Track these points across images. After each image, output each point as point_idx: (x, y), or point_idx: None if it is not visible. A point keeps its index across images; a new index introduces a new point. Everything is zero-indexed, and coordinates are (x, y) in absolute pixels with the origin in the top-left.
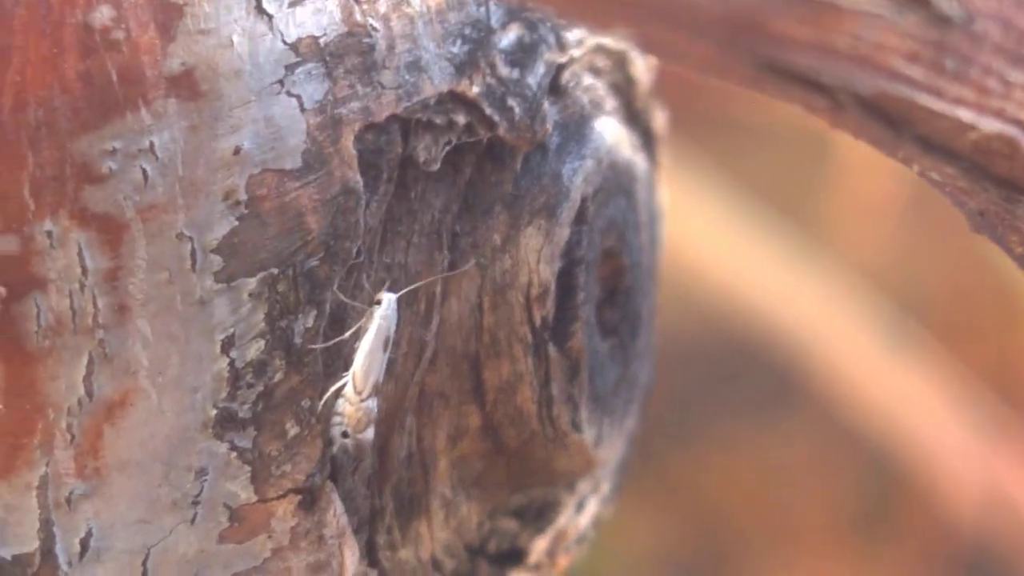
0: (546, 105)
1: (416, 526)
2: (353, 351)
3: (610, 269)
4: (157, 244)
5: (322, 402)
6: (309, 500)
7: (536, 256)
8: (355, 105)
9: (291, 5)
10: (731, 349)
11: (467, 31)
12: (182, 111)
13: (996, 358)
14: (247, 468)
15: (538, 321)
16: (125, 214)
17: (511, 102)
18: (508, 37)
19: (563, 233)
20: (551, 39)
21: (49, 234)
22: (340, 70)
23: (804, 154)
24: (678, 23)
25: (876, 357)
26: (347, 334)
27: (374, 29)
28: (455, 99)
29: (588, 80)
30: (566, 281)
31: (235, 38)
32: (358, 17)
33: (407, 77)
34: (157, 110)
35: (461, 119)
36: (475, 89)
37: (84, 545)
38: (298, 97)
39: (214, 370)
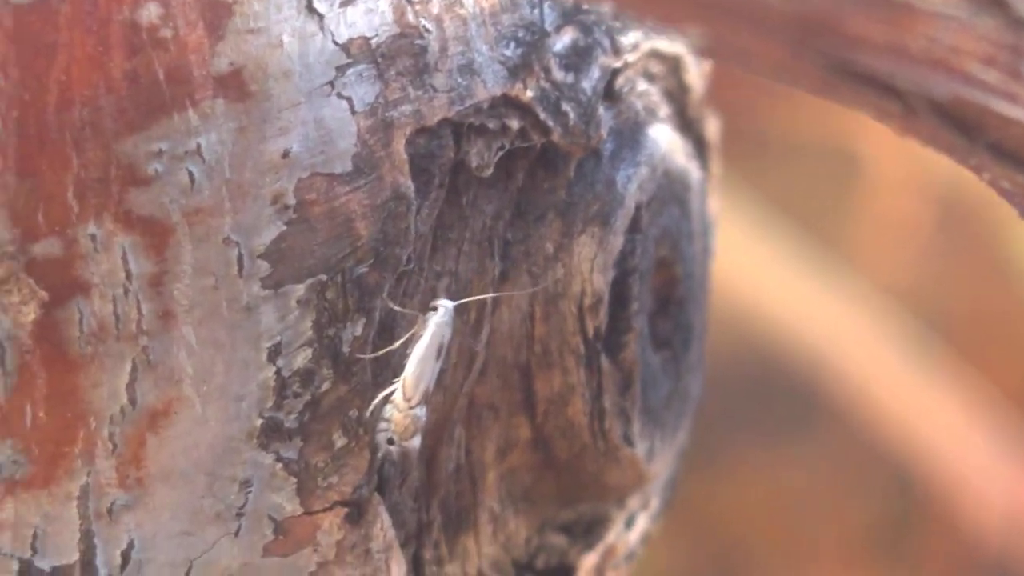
0: (601, 110)
1: (463, 541)
2: (405, 358)
3: (663, 279)
4: (203, 249)
5: (371, 408)
6: (356, 513)
7: (589, 265)
8: (407, 108)
9: (342, 5)
10: (754, 367)
11: (521, 34)
12: (230, 112)
13: (1020, 378)
14: (293, 480)
15: (591, 332)
16: (171, 217)
17: (565, 107)
18: (562, 40)
19: (617, 242)
20: (606, 43)
21: (93, 237)
22: (392, 72)
23: (831, 172)
24: (751, 22)
25: (900, 376)
26: (397, 344)
27: (427, 30)
28: (508, 103)
29: (642, 85)
30: (619, 291)
31: (285, 38)
32: (410, 18)
33: (460, 80)
34: (205, 111)
35: (514, 124)
36: (529, 93)
37: (125, 557)
38: (349, 99)
39: (260, 379)
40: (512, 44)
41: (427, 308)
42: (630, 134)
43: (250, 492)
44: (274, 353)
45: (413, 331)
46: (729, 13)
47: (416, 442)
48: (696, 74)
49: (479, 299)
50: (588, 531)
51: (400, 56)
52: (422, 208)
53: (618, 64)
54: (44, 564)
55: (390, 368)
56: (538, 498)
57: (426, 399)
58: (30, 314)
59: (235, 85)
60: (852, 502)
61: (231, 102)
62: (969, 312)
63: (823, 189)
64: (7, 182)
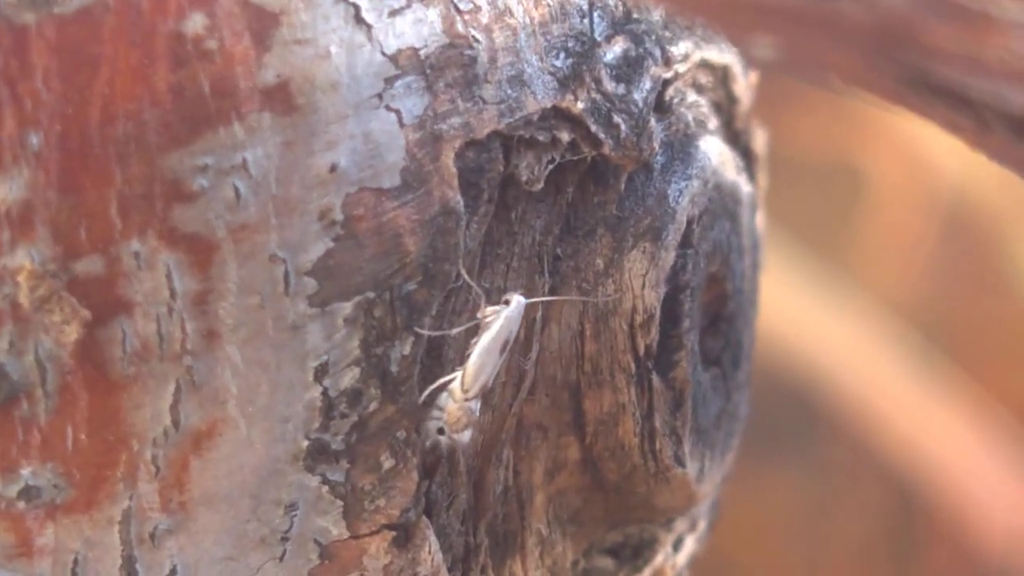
0: (652, 122)
1: (510, 564)
2: (468, 348)
3: (713, 295)
4: (249, 266)
5: (426, 393)
6: (403, 537)
7: (641, 281)
8: (456, 121)
9: (391, 15)
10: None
11: (571, 44)
12: (276, 126)
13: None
14: (339, 503)
15: (642, 349)
16: (216, 234)
17: (617, 119)
18: (613, 50)
19: (669, 257)
20: (657, 53)
21: (136, 255)
22: (441, 84)
23: (834, 187)
24: (826, 31)
25: (903, 390)
26: (465, 326)
27: (476, 41)
28: (559, 115)
29: (692, 96)
30: (670, 308)
31: (333, 49)
32: (460, 28)
33: (509, 92)
34: (251, 124)
35: (565, 136)
36: (580, 105)
37: None
38: (397, 112)
39: (306, 399)
40: (562, 55)
41: (501, 301)
42: (681, 147)
43: (295, 516)
44: (321, 373)
45: (480, 319)
46: (804, 22)
47: (466, 436)
48: (744, 85)
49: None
50: (636, 554)
51: (449, 67)
52: (471, 223)
53: (669, 75)
54: None
55: (438, 387)
56: (586, 520)
57: (483, 393)
58: (72, 334)
59: (282, 98)
60: (852, 517)
61: (278, 115)
62: (972, 326)
63: (826, 203)
64: (49, 198)
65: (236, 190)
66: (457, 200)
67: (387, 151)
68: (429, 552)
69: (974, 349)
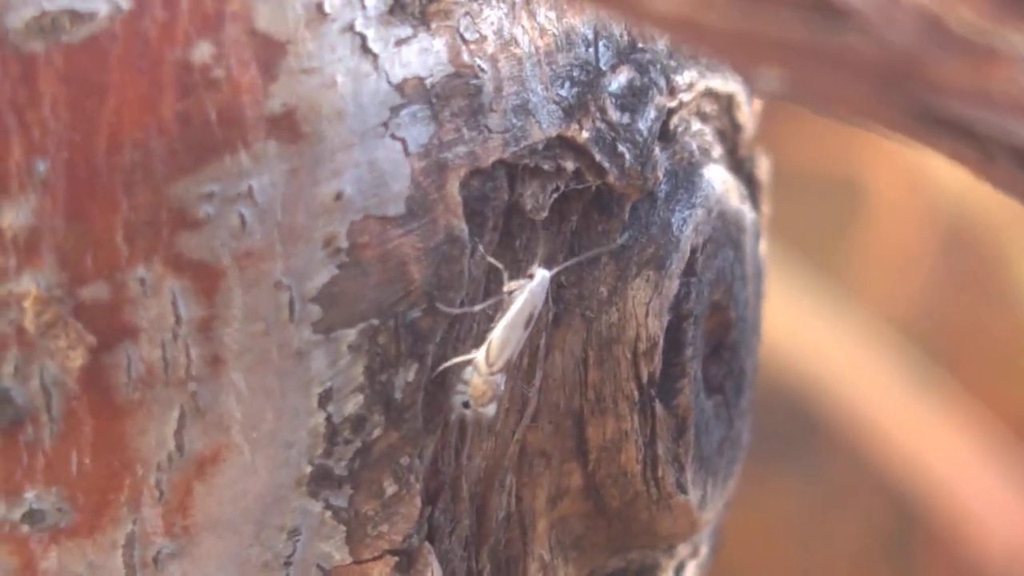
0: (657, 151)
1: None
2: (492, 323)
3: (716, 323)
4: (254, 293)
5: (448, 363)
6: (406, 562)
7: (644, 309)
8: (461, 149)
9: (397, 44)
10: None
11: (576, 73)
12: (282, 154)
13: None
14: (342, 528)
15: (645, 377)
16: (221, 261)
17: (621, 148)
18: (618, 80)
19: (672, 286)
20: (661, 82)
21: (142, 281)
22: (446, 113)
23: (834, 201)
24: (835, 65)
25: (902, 404)
26: (488, 302)
27: (482, 70)
28: (564, 144)
29: (696, 125)
30: (673, 336)
31: (339, 78)
32: (465, 57)
33: (514, 121)
34: (257, 152)
35: (570, 165)
36: (584, 134)
37: None
38: (403, 140)
39: (310, 425)
40: (567, 84)
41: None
42: (685, 175)
43: (299, 541)
44: (324, 399)
45: (505, 293)
46: (811, 55)
47: (492, 409)
48: (748, 113)
49: (529, 343)
50: None
51: (455, 96)
52: (476, 251)
53: (673, 104)
54: None
55: (442, 414)
56: (588, 546)
57: (508, 368)
58: (77, 359)
59: (288, 126)
60: (849, 529)
61: (284, 144)
62: (971, 339)
63: (826, 217)
64: (56, 225)
65: (242, 217)
66: (462, 228)
67: (392, 180)
68: None
69: (973, 362)
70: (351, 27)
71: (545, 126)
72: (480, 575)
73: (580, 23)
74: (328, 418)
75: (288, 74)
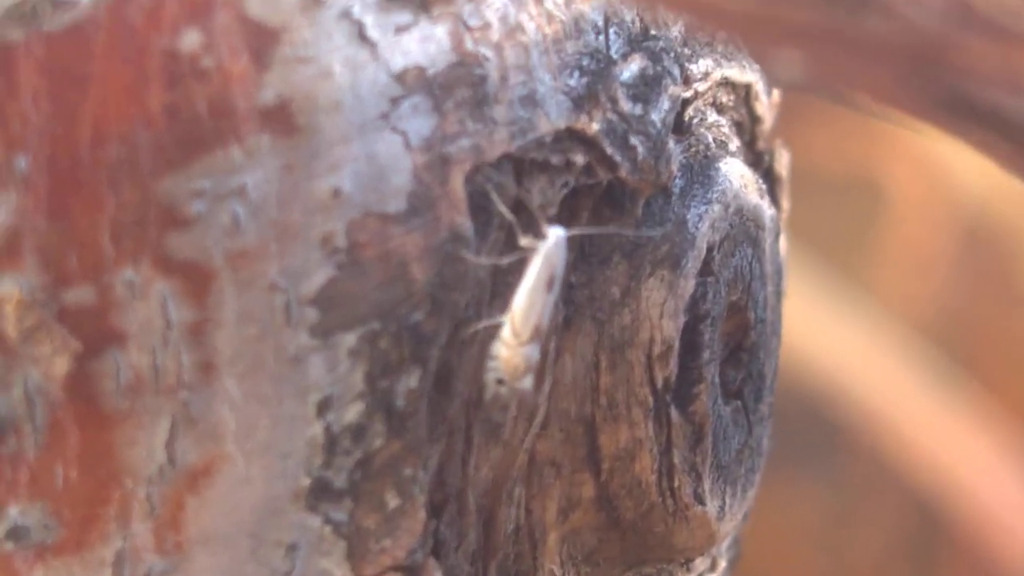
0: (671, 144)
1: None
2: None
3: (734, 325)
4: (248, 295)
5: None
6: None
7: (659, 311)
8: (465, 143)
9: (397, 32)
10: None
11: (585, 62)
12: (277, 148)
13: None
14: (343, 543)
15: (660, 382)
16: (213, 262)
17: (634, 140)
18: (630, 69)
19: (688, 285)
20: (676, 71)
21: (130, 284)
22: (449, 104)
23: (853, 202)
24: (856, 49)
25: (923, 407)
26: (507, 259)
27: (486, 59)
28: (573, 137)
29: (712, 116)
30: (689, 338)
31: (336, 67)
32: (469, 45)
33: (521, 112)
34: (250, 147)
35: (579, 159)
36: (595, 126)
37: None
38: (403, 133)
39: (308, 435)
40: (576, 73)
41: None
42: (700, 169)
43: (297, 557)
44: (323, 407)
45: (521, 255)
46: (833, 39)
47: (527, 382)
48: (767, 104)
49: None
50: None
51: (458, 86)
52: (481, 251)
53: (688, 94)
54: None
55: (446, 423)
56: (601, 560)
57: (538, 336)
58: (62, 366)
59: (282, 119)
60: (871, 532)
61: (278, 137)
62: (992, 341)
63: (845, 219)
64: (38, 224)
65: (234, 215)
66: (467, 226)
67: (393, 174)
68: None
69: (993, 363)
70: (348, 13)
71: (553, 117)
72: None
73: (590, 9)
74: (327, 427)
75: (282, 63)
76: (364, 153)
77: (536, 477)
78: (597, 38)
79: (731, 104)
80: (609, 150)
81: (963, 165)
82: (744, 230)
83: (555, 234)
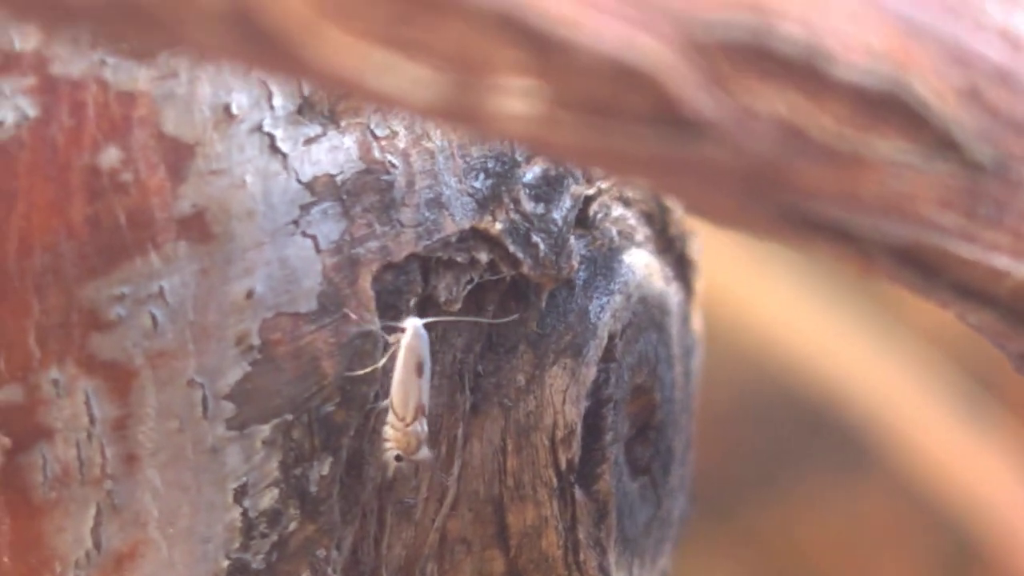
0: (572, 240)
1: None
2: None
3: (641, 405)
4: (167, 391)
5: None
6: None
7: (562, 397)
8: (373, 244)
9: (306, 143)
10: (808, 412)
11: (490, 165)
12: (193, 254)
13: None
14: None
15: (564, 464)
16: (134, 361)
17: (535, 238)
18: (533, 170)
19: (590, 372)
20: (578, 171)
21: (55, 383)
22: (357, 208)
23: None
24: (697, 177)
25: (949, 427)
26: (376, 365)
27: (393, 166)
28: (477, 236)
29: (618, 211)
30: (593, 421)
31: (248, 178)
32: (376, 154)
33: (427, 214)
34: (167, 254)
35: (483, 256)
36: (498, 225)
37: None
38: (313, 237)
39: (226, 520)
40: (481, 176)
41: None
42: (604, 261)
43: None
44: (240, 494)
45: (389, 353)
46: (674, 168)
47: (424, 453)
48: None
49: (447, 431)
50: None
51: (366, 192)
52: (389, 345)
53: (591, 191)
54: None
55: (359, 506)
56: None
57: (420, 413)
58: None
59: (198, 227)
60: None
61: (194, 244)
62: None
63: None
64: None
65: (153, 318)
66: (375, 322)
67: (303, 276)
68: None
69: (1016, 384)
70: (259, 127)
71: (458, 218)
72: None
73: None
74: (244, 512)
75: (197, 175)
76: (276, 257)
77: (448, 554)
78: (502, 142)
79: (638, 197)
80: (512, 248)
81: None
82: (649, 317)
83: (412, 325)
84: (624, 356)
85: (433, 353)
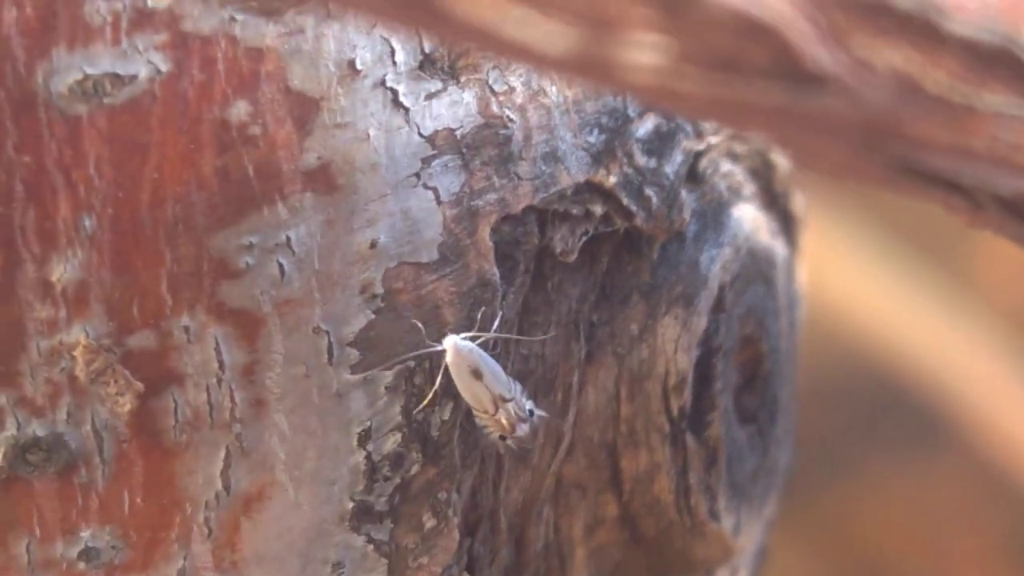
0: (683, 194)
1: None
2: None
3: (749, 355)
4: (294, 338)
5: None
6: None
7: (673, 345)
8: (492, 197)
9: (427, 98)
10: (878, 390)
11: (604, 120)
12: (318, 205)
13: None
14: (384, 561)
15: (675, 411)
16: (262, 309)
17: (648, 191)
18: (645, 126)
19: (701, 322)
20: (689, 127)
21: (186, 329)
22: (477, 162)
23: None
24: (815, 128)
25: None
26: (435, 389)
27: (511, 120)
28: (592, 189)
29: (726, 166)
30: (704, 370)
31: (371, 132)
32: (495, 109)
33: (544, 168)
34: (294, 205)
35: (598, 209)
36: (612, 179)
37: None
38: (434, 189)
39: (351, 463)
40: (595, 131)
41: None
42: (713, 215)
43: (342, 573)
44: (364, 438)
45: (441, 372)
46: (795, 119)
47: (523, 428)
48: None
49: (562, 379)
50: None
51: (485, 146)
52: (508, 294)
53: (701, 147)
54: None
55: (478, 450)
56: (626, 573)
57: (503, 402)
58: (126, 404)
59: (323, 179)
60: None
61: (319, 195)
62: None
63: (945, 214)
64: (103, 277)
65: (280, 267)
66: (493, 272)
67: (425, 227)
68: None
69: None
70: (382, 83)
71: (574, 172)
72: None
73: None
74: (368, 456)
75: (322, 129)
76: (399, 208)
77: (563, 498)
78: (615, 98)
79: (746, 153)
80: (625, 201)
81: None
82: (756, 269)
83: (450, 344)
84: (733, 307)
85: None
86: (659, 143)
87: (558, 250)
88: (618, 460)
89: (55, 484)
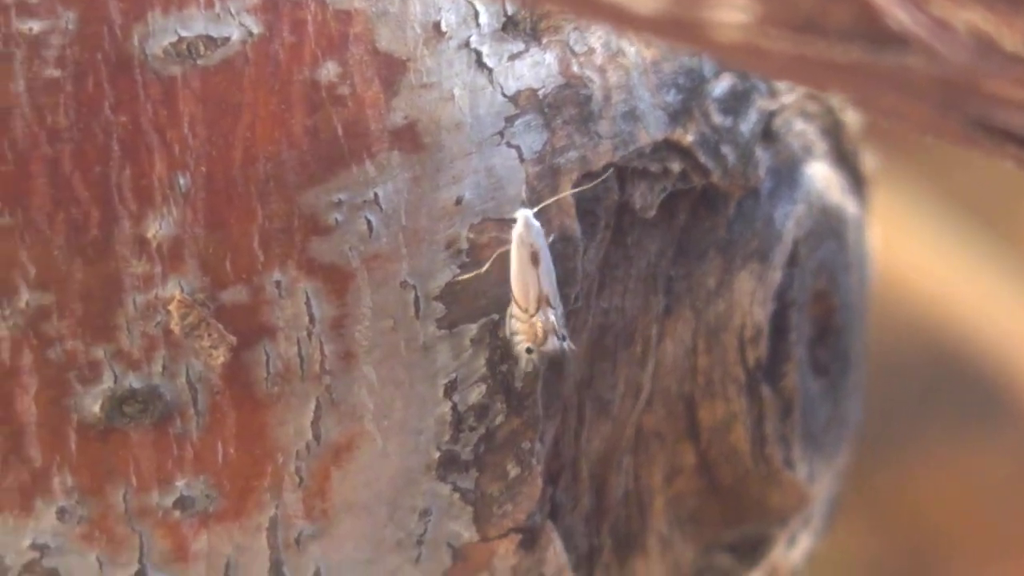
0: (758, 151)
1: (633, 563)
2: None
3: (821, 309)
4: (382, 292)
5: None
6: (530, 539)
7: (749, 299)
8: (573, 155)
9: (510, 59)
10: (937, 362)
11: (681, 80)
12: (405, 163)
13: None
14: (470, 508)
15: (751, 362)
16: (351, 264)
17: (724, 149)
18: (721, 85)
19: (775, 276)
20: (763, 86)
21: (278, 284)
22: (558, 121)
23: (1012, 167)
24: (895, 86)
25: None
26: (486, 266)
27: (591, 80)
28: (670, 147)
29: (799, 125)
30: (778, 322)
31: (456, 92)
32: (575, 69)
33: (623, 126)
34: (381, 162)
35: (676, 166)
36: (689, 137)
37: None
38: (517, 148)
39: (437, 414)
40: (673, 91)
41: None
42: (787, 172)
43: (429, 521)
44: (450, 389)
45: (498, 252)
46: (874, 78)
47: (552, 343)
48: (852, 112)
49: (641, 331)
50: (752, 551)
51: (566, 105)
52: (589, 249)
53: (775, 106)
54: None
55: (560, 400)
56: (704, 521)
57: (546, 305)
58: (219, 357)
59: (410, 137)
60: None
61: (406, 153)
62: None
63: (1005, 184)
64: (197, 234)
65: (369, 223)
66: (575, 228)
67: (508, 184)
68: (554, 553)
69: None
70: (467, 44)
71: (652, 130)
72: (601, 550)
73: None
74: (454, 407)
75: (408, 89)
76: (483, 166)
77: (643, 448)
78: (692, 59)
79: (818, 112)
80: (702, 158)
81: None
82: (828, 225)
83: (522, 215)
84: (806, 262)
85: (627, 266)
86: (735, 102)
87: (637, 206)
88: (696, 410)
89: (151, 435)
